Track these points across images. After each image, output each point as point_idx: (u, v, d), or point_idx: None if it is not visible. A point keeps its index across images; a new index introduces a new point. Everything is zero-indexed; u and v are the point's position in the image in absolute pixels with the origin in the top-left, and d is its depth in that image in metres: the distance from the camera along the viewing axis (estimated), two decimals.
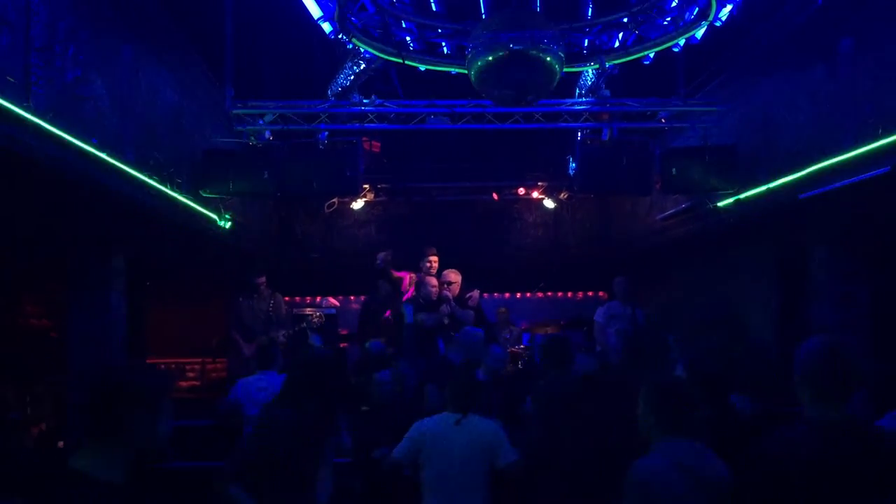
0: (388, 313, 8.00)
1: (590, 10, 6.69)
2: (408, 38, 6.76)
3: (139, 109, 5.97)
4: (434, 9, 6.56)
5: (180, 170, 6.78)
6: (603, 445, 3.48)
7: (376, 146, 10.87)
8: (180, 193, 6.56)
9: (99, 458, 2.06)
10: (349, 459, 4.93)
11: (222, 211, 7.62)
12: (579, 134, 8.73)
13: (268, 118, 8.00)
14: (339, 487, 4.59)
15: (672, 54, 6.85)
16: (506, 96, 6.47)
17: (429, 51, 6.97)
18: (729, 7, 6.03)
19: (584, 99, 8.18)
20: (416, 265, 8.00)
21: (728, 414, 3.76)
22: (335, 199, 11.23)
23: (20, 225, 5.78)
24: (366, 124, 8.18)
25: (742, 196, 7.17)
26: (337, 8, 5.99)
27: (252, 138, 7.77)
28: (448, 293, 7.63)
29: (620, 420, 3.26)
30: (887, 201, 5.48)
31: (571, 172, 8.61)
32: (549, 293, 12.26)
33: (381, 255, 7.98)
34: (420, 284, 7.62)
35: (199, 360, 10.76)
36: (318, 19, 6.18)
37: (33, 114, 4.24)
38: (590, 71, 7.81)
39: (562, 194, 11.68)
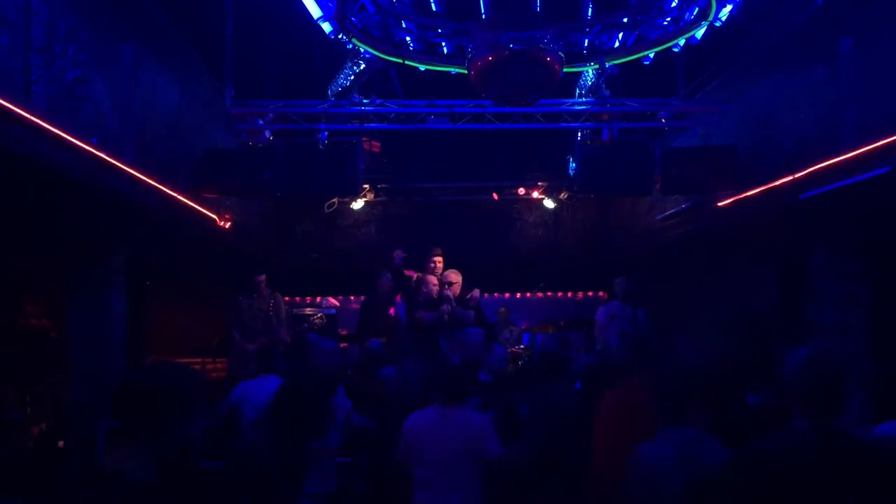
0: (391, 310, 8.00)
1: (590, 10, 6.68)
2: (408, 39, 6.76)
3: (139, 109, 5.97)
4: (434, 9, 6.55)
5: (180, 169, 6.78)
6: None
7: (376, 146, 10.86)
8: (180, 193, 6.56)
9: (132, 459, 2.06)
10: (349, 459, 4.94)
11: (222, 211, 7.61)
12: (579, 134, 8.72)
13: (268, 118, 8.00)
14: (342, 487, 4.60)
15: (672, 54, 6.84)
16: (506, 96, 6.47)
17: (429, 51, 6.96)
18: (729, 7, 6.03)
19: (584, 99, 8.19)
20: (416, 265, 8.01)
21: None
22: (335, 199, 11.23)
23: (20, 225, 5.78)
24: (366, 124, 8.18)
25: (742, 196, 7.16)
26: (337, 8, 5.99)
27: (252, 138, 7.77)
28: (449, 293, 7.64)
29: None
30: (888, 201, 5.48)
31: (571, 172, 8.61)
32: (549, 293, 12.24)
33: (399, 252, 7.95)
34: (421, 283, 7.63)
35: (200, 359, 10.72)
36: (318, 19, 6.18)
37: (33, 113, 4.24)
38: (590, 71, 7.81)
39: (562, 194, 11.68)
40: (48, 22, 4.53)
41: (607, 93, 8.04)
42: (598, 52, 6.92)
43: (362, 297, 8.99)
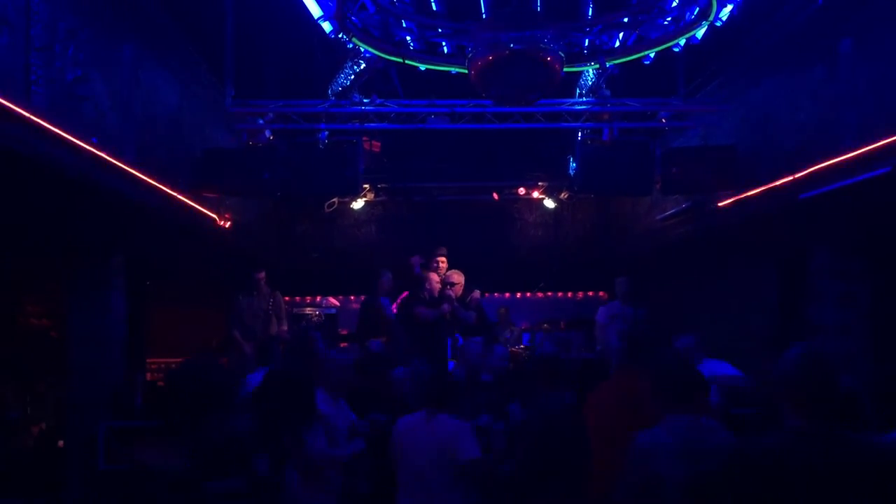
0: (394, 307, 8.00)
1: (590, 9, 6.68)
2: (408, 38, 6.75)
3: (139, 109, 5.97)
4: (434, 8, 6.55)
5: (180, 169, 6.78)
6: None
7: (376, 146, 10.86)
8: (180, 193, 6.56)
9: (172, 454, 2.07)
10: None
11: (222, 210, 7.61)
12: (580, 134, 8.72)
13: (268, 118, 8.00)
14: (343, 488, 4.58)
15: (672, 54, 6.84)
16: (506, 96, 6.47)
17: (429, 50, 6.96)
18: (729, 7, 6.02)
19: (584, 99, 8.18)
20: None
21: None
22: (335, 199, 11.23)
23: (20, 224, 5.78)
24: (366, 124, 8.18)
25: (742, 196, 7.16)
26: (337, 7, 5.99)
27: (252, 138, 7.77)
28: (451, 293, 7.65)
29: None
30: (888, 201, 5.48)
31: (572, 172, 8.60)
32: (550, 293, 12.25)
33: (417, 259, 7.88)
34: (423, 281, 7.65)
35: None
36: (319, 19, 6.18)
37: (33, 113, 4.24)
38: (590, 71, 7.80)
39: (562, 194, 11.68)
40: (48, 22, 4.53)
41: (608, 93, 8.04)
42: (599, 52, 6.91)
43: (362, 297, 8.99)
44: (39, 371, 7.80)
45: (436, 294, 7.54)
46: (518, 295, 12.17)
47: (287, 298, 9.32)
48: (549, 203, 11.93)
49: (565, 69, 6.10)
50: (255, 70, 8.34)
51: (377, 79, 7.95)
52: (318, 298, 11.42)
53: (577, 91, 8.29)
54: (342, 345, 10.16)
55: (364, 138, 9.06)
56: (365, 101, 7.90)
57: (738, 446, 2.57)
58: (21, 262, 7.19)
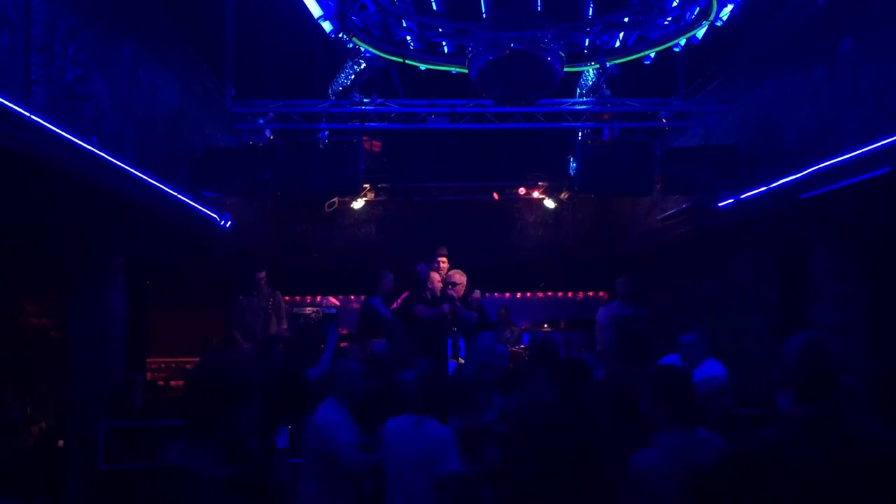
0: (395, 304, 7.99)
1: (590, 9, 6.68)
2: (408, 38, 6.75)
3: (139, 109, 5.97)
4: (435, 8, 6.55)
5: (180, 169, 6.78)
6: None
7: (377, 146, 10.86)
8: (180, 192, 6.56)
9: (201, 453, 2.05)
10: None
11: (222, 210, 7.61)
12: (580, 134, 8.72)
13: (268, 117, 8.00)
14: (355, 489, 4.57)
15: (673, 54, 6.83)
16: (506, 96, 6.47)
17: (429, 50, 6.95)
18: (730, 7, 6.02)
19: (584, 99, 8.18)
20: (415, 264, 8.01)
21: None
22: (335, 199, 11.23)
23: (20, 224, 5.78)
24: (366, 124, 8.18)
25: (742, 196, 7.16)
26: (337, 7, 5.98)
27: (252, 137, 7.77)
28: (453, 293, 7.64)
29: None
30: (888, 202, 5.48)
31: (572, 172, 8.60)
32: (550, 293, 12.25)
33: (423, 267, 7.84)
34: (421, 271, 7.66)
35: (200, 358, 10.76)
36: (319, 18, 6.18)
37: (33, 113, 4.23)
38: (590, 71, 7.80)
39: (562, 194, 11.68)
40: (48, 21, 4.53)
41: (608, 92, 8.04)
42: (599, 52, 6.91)
43: (362, 297, 8.99)
44: (39, 371, 7.80)
45: (437, 294, 7.53)
46: (518, 295, 12.17)
47: (287, 298, 9.32)
48: (550, 203, 11.93)
49: (565, 69, 6.10)
50: (256, 70, 8.33)
51: (377, 78, 7.95)
52: (319, 298, 11.43)
53: (578, 91, 8.29)
54: (342, 344, 10.18)
55: (364, 138, 9.06)
56: (365, 100, 7.90)
57: (737, 442, 2.55)
58: (21, 262, 7.19)
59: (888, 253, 6.24)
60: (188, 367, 10.17)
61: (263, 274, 8.18)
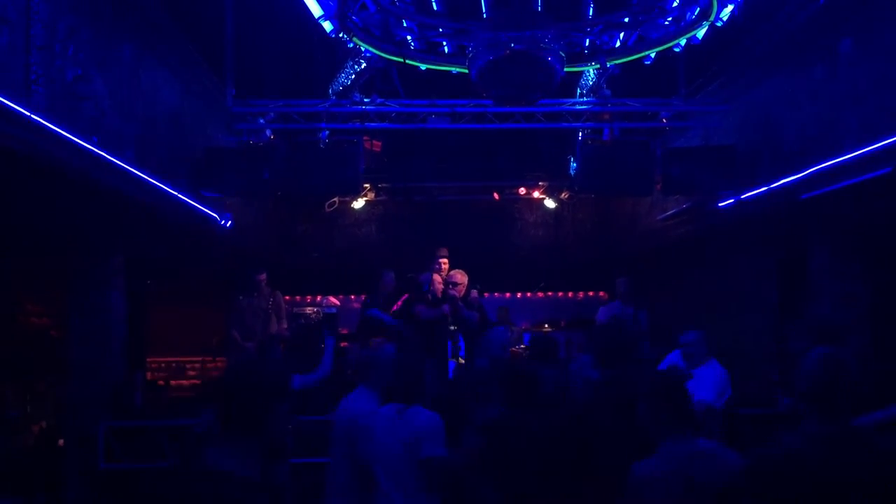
0: (395, 307, 7.97)
1: (591, 9, 6.68)
2: (409, 38, 6.75)
3: (139, 108, 5.97)
4: (435, 8, 6.55)
5: (181, 168, 6.78)
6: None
7: (377, 145, 10.86)
8: (180, 192, 6.56)
9: (238, 455, 2.04)
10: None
11: (223, 210, 7.61)
12: (580, 134, 8.72)
13: (269, 117, 8.00)
14: None
15: (673, 54, 6.83)
16: (507, 96, 6.46)
17: (430, 50, 6.95)
18: (730, 7, 6.01)
19: (585, 99, 8.18)
20: (418, 265, 8.00)
21: None
22: (336, 199, 11.23)
23: (20, 224, 5.78)
24: (367, 123, 8.17)
25: (743, 196, 7.16)
26: (338, 6, 5.98)
27: (253, 137, 7.77)
28: (455, 293, 7.63)
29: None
30: (888, 202, 5.48)
31: (572, 172, 8.60)
32: (550, 293, 12.26)
33: (427, 276, 7.78)
34: (425, 281, 7.64)
35: (200, 358, 10.77)
36: (319, 18, 6.18)
37: (34, 112, 4.23)
38: (591, 71, 7.80)
39: (563, 194, 11.68)
40: (48, 21, 4.53)
41: (608, 93, 8.03)
42: (600, 52, 6.91)
43: (363, 297, 8.98)
44: (39, 370, 7.80)
45: (438, 295, 7.52)
46: (518, 295, 12.17)
47: (287, 298, 9.32)
48: (550, 203, 11.93)
49: (566, 69, 6.10)
50: (256, 69, 8.34)
51: (378, 78, 7.94)
52: (319, 298, 11.44)
53: (578, 91, 8.29)
54: (342, 344, 10.18)
55: (365, 138, 9.05)
56: (366, 100, 7.90)
57: (759, 453, 2.50)
58: (21, 262, 7.19)
59: (888, 253, 6.25)
60: (215, 372, 10.21)
61: (264, 276, 8.17)
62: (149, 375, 9.78)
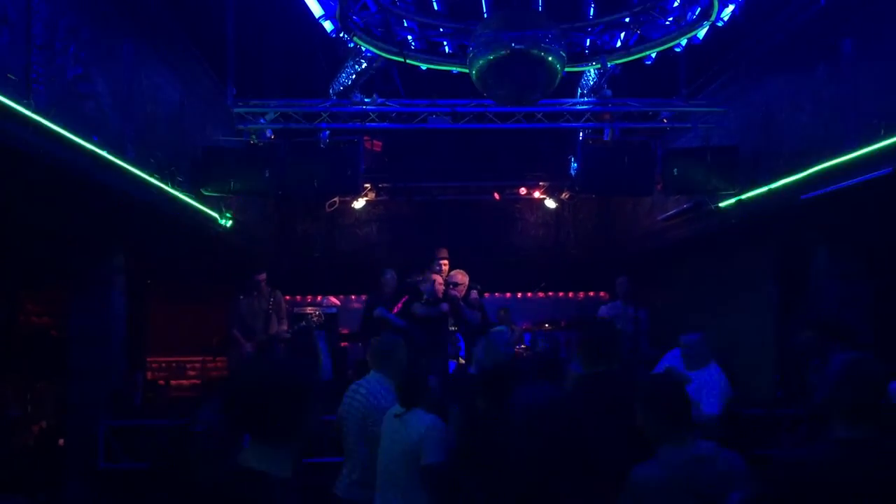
0: (396, 308, 7.96)
1: (591, 9, 6.68)
2: (409, 37, 6.75)
3: (140, 107, 5.96)
4: (436, 8, 6.55)
5: (181, 168, 6.78)
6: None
7: (378, 145, 10.87)
8: (181, 192, 6.56)
9: (271, 456, 2.04)
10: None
11: (223, 209, 7.61)
12: (581, 134, 8.72)
13: (269, 117, 8.00)
14: None
15: (674, 54, 6.83)
16: (507, 96, 6.45)
17: (430, 50, 6.96)
18: (731, 7, 6.01)
19: (585, 99, 8.17)
20: (418, 265, 7.99)
21: None
22: (336, 199, 11.21)
23: (21, 223, 5.78)
24: (367, 123, 8.17)
25: (743, 197, 7.16)
26: (338, 6, 5.98)
27: (253, 137, 7.77)
28: (456, 293, 7.63)
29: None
30: (889, 202, 5.47)
31: (573, 172, 8.61)
32: (550, 293, 12.25)
33: (430, 287, 7.71)
34: (425, 282, 7.64)
35: (200, 358, 10.77)
36: (320, 18, 6.18)
37: (34, 112, 4.23)
38: (592, 71, 7.79)
39: (563, 194, 11.67)
40: (49, 20, 4.52)
41: (609, 93, 8.03)
42: (600, 52, 6.91)
43: (363, 297, 8.98)
44: (39, 370, 7.80)
45: (439, 295, 7.50)
46: (519, 295, 12.16)
47: (288, 298, 9.32)
48: (551, 203, 11.92)
49: (567, 69, 6.09)
50: (257, 69, 8.33)
51: (378, 78, 7.94)
52: (319, 298, 11.44)
53: (579, 91, 8.29)
54: (343, 344, 10.18)
55: (365, 138, 9.06)
56: (366, 100, 7.90)
57: (783, 460, 2.47)
58: (21, 261, 7.19)
59: (889, 253, 6.24)
60: (216, 372, 10.19)
61: (264, 276, 8.17)
62: (149, 375, 9.79)
